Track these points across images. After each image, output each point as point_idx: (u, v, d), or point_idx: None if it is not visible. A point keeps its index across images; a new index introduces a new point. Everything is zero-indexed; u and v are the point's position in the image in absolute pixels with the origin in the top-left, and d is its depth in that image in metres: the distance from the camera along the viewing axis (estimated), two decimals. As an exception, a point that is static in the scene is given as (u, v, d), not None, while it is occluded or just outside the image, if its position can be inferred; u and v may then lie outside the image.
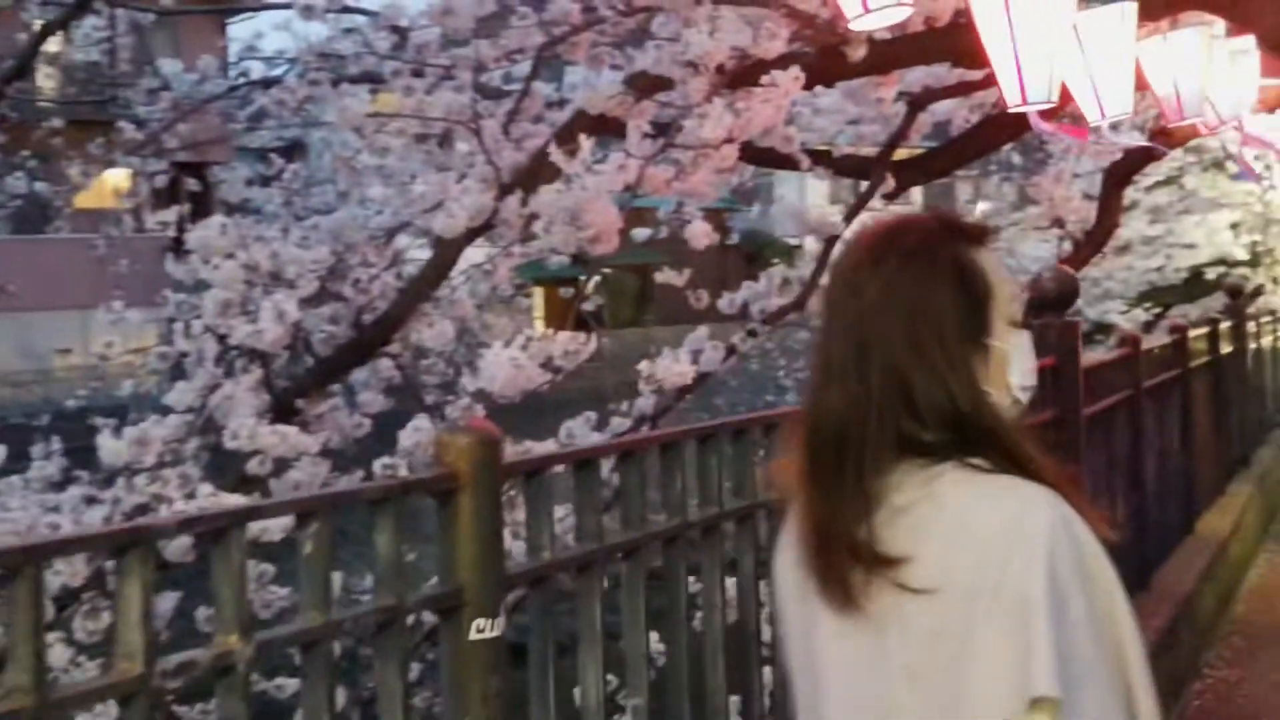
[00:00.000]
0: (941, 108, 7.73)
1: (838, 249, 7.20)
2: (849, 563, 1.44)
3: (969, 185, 29.11)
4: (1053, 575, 1.37)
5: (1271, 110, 6.74)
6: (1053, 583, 1.37)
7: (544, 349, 3.70)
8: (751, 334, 7.37)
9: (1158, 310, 17.17)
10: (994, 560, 1.38)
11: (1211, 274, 16.32)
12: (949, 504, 1.42)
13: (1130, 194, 18.29)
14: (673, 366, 3.59)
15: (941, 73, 7.06)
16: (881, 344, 1.46)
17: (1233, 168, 16.77)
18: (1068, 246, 7.33)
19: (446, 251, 4.44)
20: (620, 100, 4.41)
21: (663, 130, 4.06)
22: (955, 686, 1.39)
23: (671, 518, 2.35)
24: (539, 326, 38.83)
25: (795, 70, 3.85)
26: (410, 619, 1.84)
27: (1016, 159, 17.87)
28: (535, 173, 3.92)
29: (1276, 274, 16.64)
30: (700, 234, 3.91)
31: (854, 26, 3.11)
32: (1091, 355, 7.26)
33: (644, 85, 4.43)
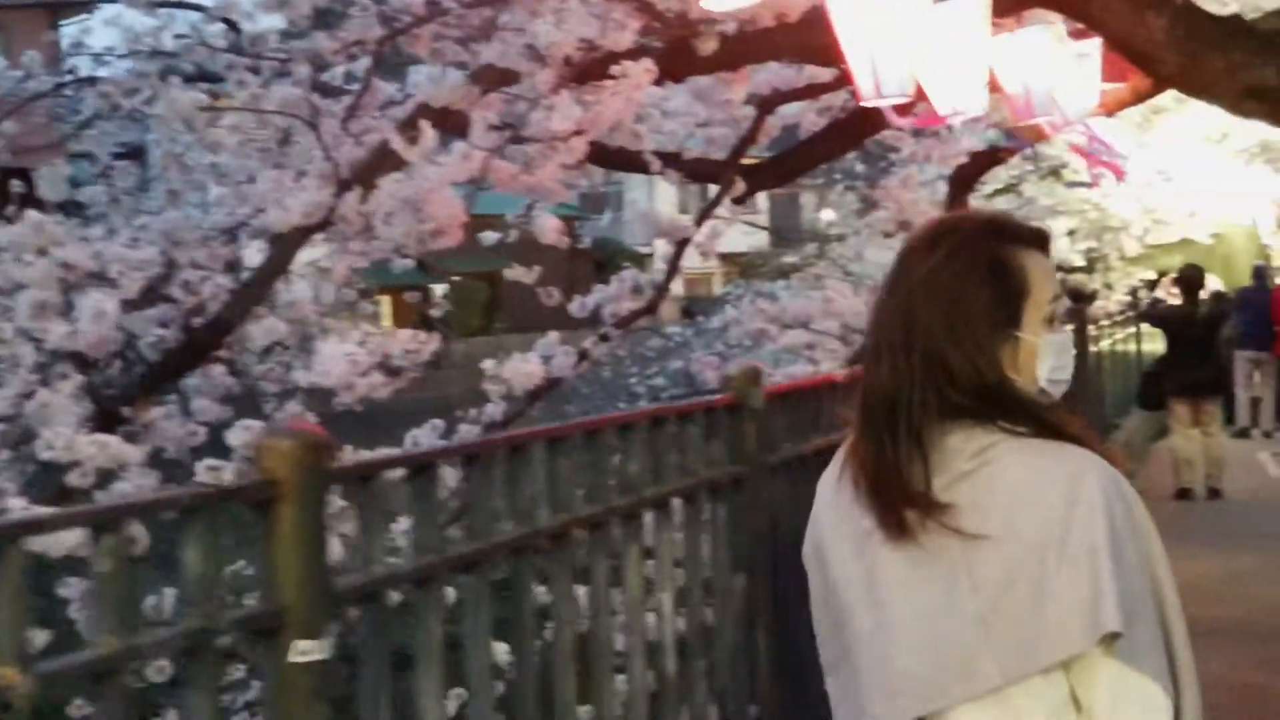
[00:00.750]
0: (790, 111, 7.71)
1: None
2: (903, 504, 1.66)
3: (814, 194, 29.48)
4: (1111, 526, 1.59)
5: (1111, 115, 6.86)
6: (1112, 532, 1.58)
7: (382, 345, 3.51)
8: (603, 338, 7.25)
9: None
10: (1057, 516, 1.59)
11: (1050, 280, 16.72)
12: (1010, 468, 1.64)
13: (972, 201, 18.68)
14: (521, 367, 3.44)
15: (790, 75, 7.03)
16: (923, 323, 1.69)
17: (1069, 175, 17.22)
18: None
19: (282, 251, 4.22)
20: (465, 93, 4.24)
21: (511, 127, 3.91)
22: (1029, 630, 1.58)
23: (520, 525, 2.21)
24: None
25: (646, 62, 3.73)
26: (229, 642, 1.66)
27: (860, 167, 18.13)
28: (375, 167, 3.73)
29: (1111, 280, 17.14)
30: (550, 229, 3.77)
31: (706, 5, 3.01)
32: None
33: (490, 78, 4.27)
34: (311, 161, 4.31)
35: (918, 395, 1.68)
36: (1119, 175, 7.02)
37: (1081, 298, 8.76)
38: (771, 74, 6.96)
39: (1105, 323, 11.02)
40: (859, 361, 1.85)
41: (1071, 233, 17.48)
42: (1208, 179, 16.55)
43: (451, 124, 4.17)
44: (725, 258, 44.13)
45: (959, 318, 1.69)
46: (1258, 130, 14.98)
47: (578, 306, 7.80)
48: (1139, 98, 6.54)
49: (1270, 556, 7.88)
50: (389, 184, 3.44)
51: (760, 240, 30.10)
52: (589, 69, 4.07)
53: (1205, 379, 10.39)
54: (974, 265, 1.72)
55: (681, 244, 7.08)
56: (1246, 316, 13.65)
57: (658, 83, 5.40)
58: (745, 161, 7.81)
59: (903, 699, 1.67)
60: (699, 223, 7.08)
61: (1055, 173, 17.90)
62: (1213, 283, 12.85)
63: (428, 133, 3.55)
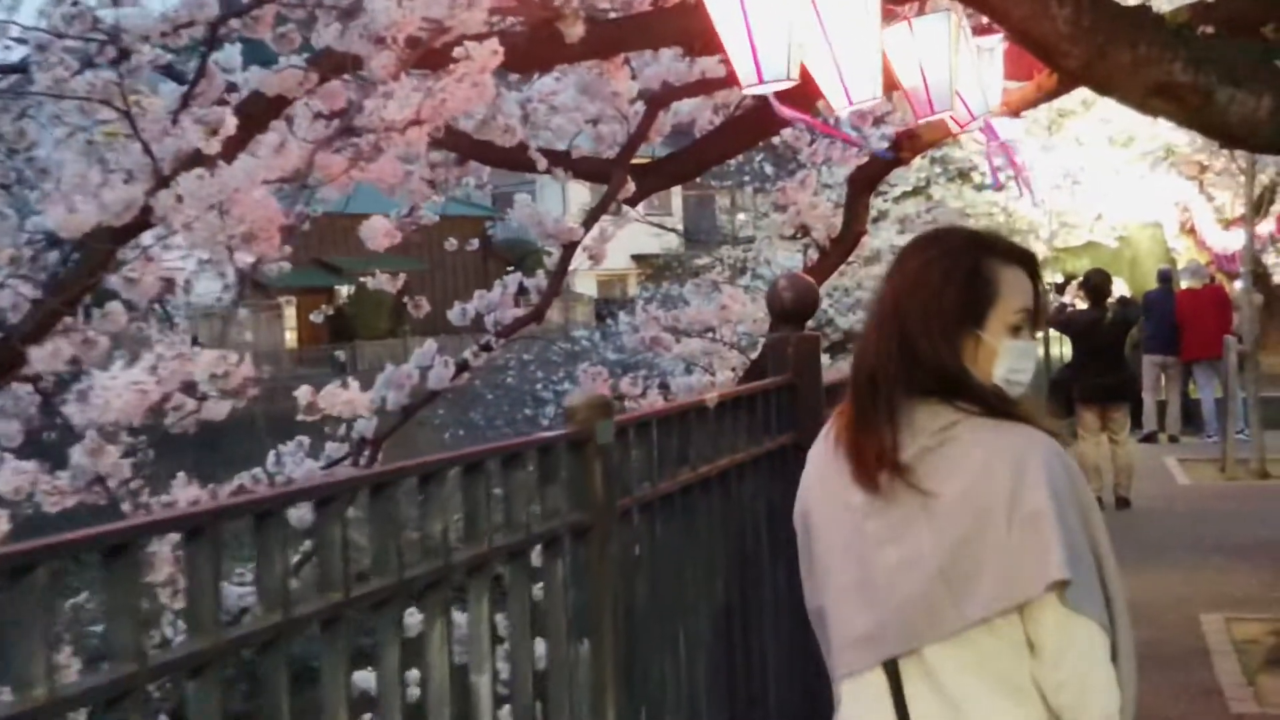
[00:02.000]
0: (685, 108, 7.33)
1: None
2: (875, 463, 1.93)
3: (726, 196, 29.26)
4: (1054, 493, 1.85)
5: (1015, 114, 6.55)
6: (1055, 498, 1.84)
7: (180, 371, 3.05)
8: (485, 348, 6.81)
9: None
10: (1008, 485, 1.85)
11: (958, 283, 16.51)
12: (968, 444, 1.90)
13: (879, 204, 18.46)
14: (339, 395, 2.98)
15: (682, 69, 6.64)
16: (904, 311, 1.98)
17: (978, 178, 17.08)
18: (815, 255, 7.00)
19: (94, 255, 3.73)
20: (302, 80, 3.79)
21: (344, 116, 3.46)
22: (985, 582, 1.85)
23: (385, 576, 1.87)
24: (290, 338, 36.98)
25: (492, 43, 3.31)
26: None
27: (769, 169, 17.85)
28: (188, 163, 3.27)
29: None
30: (378, 232, 3.32)
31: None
32: (839, 371, 7.00)
33: (329, 63, 3.82)
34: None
35: (892, 372, 1.97)
36: (1018, 171, 6.71)
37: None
38: (662, 68, 6.56)
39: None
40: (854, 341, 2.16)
41: (979, 235, 17.32)
42: (1114, 182, 16.49)
43: (285, 114, 3.72)
44: (639, 259, 43.94)
45: (932, 311, 1.97)
46: (1163, 134, 14.90)
47: (457, 314, 7.37)
48: (1044, 96, 6.24)
49: (1181, 571, 7.64)
50: (189, 182, 2.98)
51: (675, 242, 29.82)
52: (438, 53, 3.63)
53: (1113, 384, 10.16)
54: (952, 269, 2.00)
55: (570, 246, 6.67)
56: (1152, 320, 13.53)
57: (521, 69, 4.99)
58: (638, 161, 7.42)
59: (869, 646, 1.96)
60: (587, 224, 6.67)
61: (964, 175, 17.76)
62: (1119, 286, 12.68)
63: (229, 123, 3.09)
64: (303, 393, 3.01)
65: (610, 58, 4.78)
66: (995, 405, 1.95)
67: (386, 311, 35.21)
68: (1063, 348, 12.23)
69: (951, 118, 5.06)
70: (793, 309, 3.71)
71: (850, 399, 2.03)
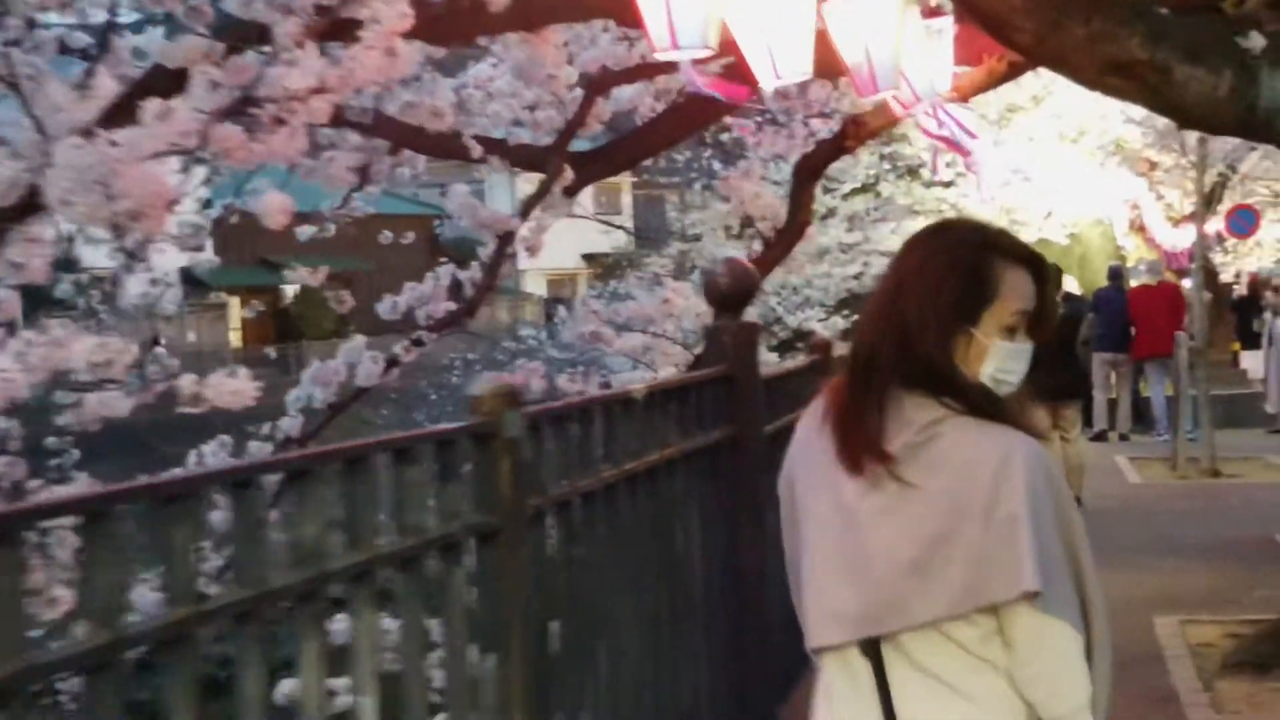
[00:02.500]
0: (625, 95, 7.10)
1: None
2: (859, 447, 1.94)
3: (676, 194, 29.07)
4: (1032, 498, 1.86)
5: (965, 100, 6.37)
6: (1032, 503, 1.86)
7: (50, 358, 2.77)
8: (417, 343, 6.55)
9: (855, 317, 17.18)
10: (986, 487, 1.86)
11: (908, 281, 16.34)
12: (952, 443, 1.91)
13: (828, 201, 18.30)
14: (226, 385, 2.72)
15: (621, 53, 6.40)
16: (903, 301, 1.97)
17: (927, 174, 16.93)
18: (759, 246, 6.78)
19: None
20: (207, 52, 3.52)
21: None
22: (956, 580, 1.87)
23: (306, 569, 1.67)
24: (234, 338, 36.50)
25: (401, 5, 3.06)
26: None
27: (718, 166, 17.63)
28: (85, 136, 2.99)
29: (969, 281, 16.85)
30: (274, 208, 3.05)
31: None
32: (781, 364, 6.77)
33: (235, 33, 3.55)
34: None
35: (885, 359, 1.97)
36: (963, 154, 6.51)
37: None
38: (600, 51, 6.33)
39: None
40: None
41: (929, 233, 17.18)
42: (1064, 178, 16.40)
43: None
44: (590, 259, 43.65)
45: (928, 304, 1.96)
46: (1113, 128, 14.82)
47: (387, 307, 7.11)
48: (994, 81, 6.05)
49: (1134, 573, 7.47)
50: (65, 152, 2.71)
51: (626, 241, 29.60)
52: (349, 24, 3.38)
53: (1064, 382, 9.99)
54: (955, 264, 1.99)
55: (505, 238, 6.42)
56: (1103, 317, 13.41)
57: (443, 41, 4.73)
58: (580, 150, 7.18)
59: (842, 623, 1.98)
60: (523, 214, 6.42)
61: (913, 172, 17.63)
62: (1068, 283, 12.55)
63: (103, 89, 2.82)
64: (186, 382, 2.73)
65: (538, 29, 4.52)
66: (981, 405, 1.96)
67: (332, 311, 34.77)
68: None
69: (896, 98, 4.86)
70: (730, 295, 3.48)
71: (845, 378, 2.03)
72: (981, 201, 14.84)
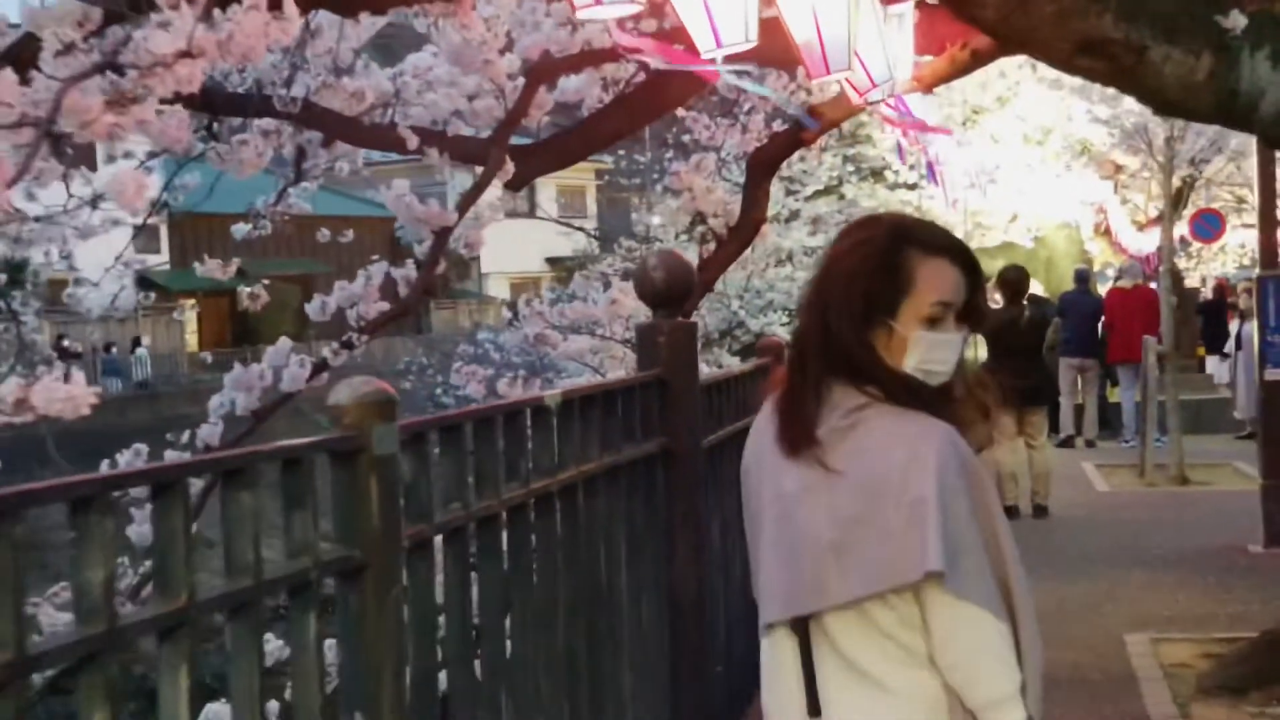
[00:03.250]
0: (571, 85, 6.75)
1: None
2: (796, 432, 2.03)
3: (639, 196, 28.76)
4: (941, 482, 1.92)
5: (927, 90, 6.05)
6: (942, 488, 1.91)
7: None
8: (347, 346, 6.18)
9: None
10: (899, 471, 1.93)
11: (871, 284, 16.01)
12: (872, 429, 1.99)
13: (791, 204, 17.98)
14: (57, 391, 2.33)
15: (564, 38, 6.05)
16: (826, 293, 2.07)
17: (891, 176, 16.67)
18: (712, 246, 6.43)
19: None
20: (81, 19, 3.15)
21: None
22: (870, 561, 1.94)
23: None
24: (192, 342, 35.97)
25: (290, -40, 2.70)
26: None
27: (681, 168, 17.26)
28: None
29: (933, 284, 16.56)
30: (128, 184, 2.66)
31: None
32: (725, 369, 6.40)
33: (112, -2, 3.18)
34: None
35: (814, 350, 2.03)
36: (937, 131, 6.19)
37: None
38: (542, 35, 5.97)
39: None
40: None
41: (893, 235, 16.87)
42: (1029, 181, 16.15)
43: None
44: (553, 262, 43.35)
45: (846, 297, 2.01)
46: (1078, 130, 14.56)
47: (316, 308, 6.74)
48: (957, 70, 5.72)
49: (1101, 584, 7.18)
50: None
51: (590, 244, 29.29)
52: (238, -15, 3.01)
53: (1030, 387, 9.68)
54: (869, 257, 2.03)
55: (443, 233, 6.05)
56: (1070, 322, 13.12)
57: (350, 12, 4.39)
58: (521, 142, 6.82)
59: (774, 603, 2.06)
60: (462, 209, 6.05)
61: (877, 174, 17.35)
62: (1035, 287, 12.25)
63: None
64: (7, 388, 2.35)
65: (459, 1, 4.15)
66: (899, 394, 1.99)
67: (291, 314, 34.25)
68: (977, 349, 11.77)
69: (849, 82, 4.53)
70: (665, 291, 3.13)
71: (788, 372, 2.09)
72: (946, 204, 14.56)
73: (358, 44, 6.48)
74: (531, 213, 43.03)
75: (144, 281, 37.47)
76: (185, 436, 5.85)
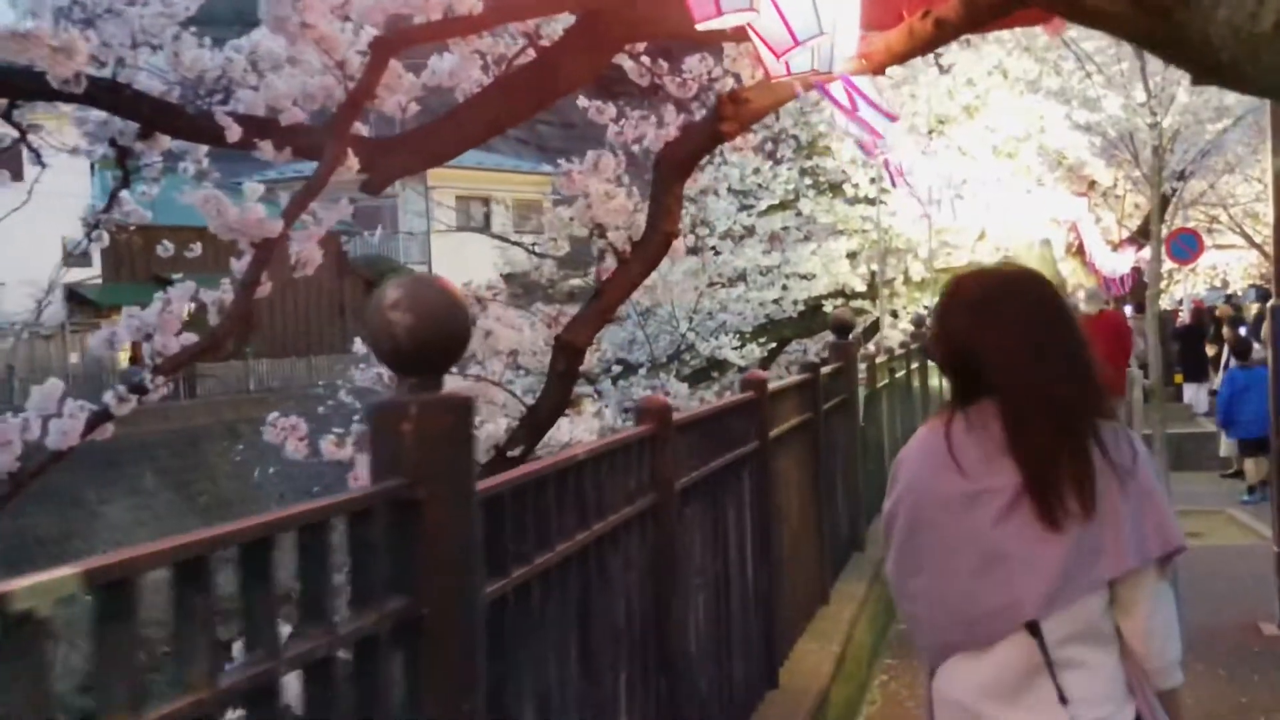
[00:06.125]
0: (443, 68, 5.48)
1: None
2: (1072, 497, 2.21)
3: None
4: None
5: (878, 71, 4.79)
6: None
7: None
8: (137, 390, 4.87)
9: (773, 345, 15.63)
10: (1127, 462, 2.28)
11: (830, 306, 14.81)
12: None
13: (744, 219, 16.72)
14: None
15: (416, 1, 4.80)
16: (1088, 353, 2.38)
17: (850, 190, 15.45)
18: (611, 263, 5.14)
19: None
20: None
21: None
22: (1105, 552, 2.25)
23: None
24: (123, 359, 34.61)
25: None
26: None
27: (575, 168, 15.97)
28: None
29: (896, 307, 15.35)
30: None
31: None
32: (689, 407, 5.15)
33: None
34: None
35: (1084, 413, 2.24)
36: (876, 135, 4.96)
37: (848, 330, 6.65)
38: (391, -1, 4.71)
39: (883, 360, 9.03)
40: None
41: (852, 255, 15.65)
42: (998, 197, 14.97)
43: None
44: (510, 278, 42.03)
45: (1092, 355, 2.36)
46: (1055, 138, 13.41)
47: (101, 340, 5.47)
48: (917, 45, 4.45)
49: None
50: None
51: (549, 262, 28.06)
52: None
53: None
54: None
55: (265, 245, 4.76)
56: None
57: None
58: (384, 137, 5.56)
59: (1013, 611, 2.20)
60: (288, 216, 4.78)
61: (835, 188, 16.11)
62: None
63: None
64: None
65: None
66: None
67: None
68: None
69: (757, 33, 3.28)
70: (413, 346, 1.83)
71: (1034, 431, 2.19)
72: (916, 217, 13.36)
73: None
74: (487, 226, 41.73)
75: (73, 296, 35.93)
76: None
